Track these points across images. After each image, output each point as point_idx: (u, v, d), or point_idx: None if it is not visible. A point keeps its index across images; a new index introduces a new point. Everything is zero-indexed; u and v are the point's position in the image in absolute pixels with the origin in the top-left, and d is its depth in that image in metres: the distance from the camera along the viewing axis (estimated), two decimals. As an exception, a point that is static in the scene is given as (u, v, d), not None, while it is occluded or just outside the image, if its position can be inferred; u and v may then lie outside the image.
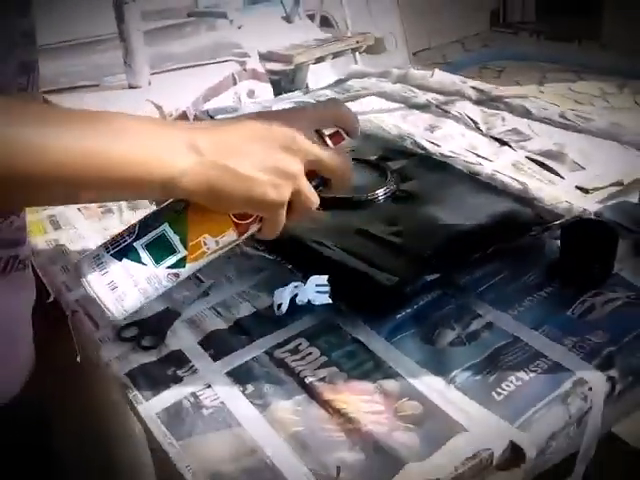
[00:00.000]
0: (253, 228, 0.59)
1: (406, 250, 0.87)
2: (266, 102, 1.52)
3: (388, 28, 3.42)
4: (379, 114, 1.33)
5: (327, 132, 0.60)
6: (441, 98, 1.39)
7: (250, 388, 0.69)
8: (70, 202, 0.59)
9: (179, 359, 0.74)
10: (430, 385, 0.67)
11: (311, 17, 3.05)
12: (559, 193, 0.99)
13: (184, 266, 0.56)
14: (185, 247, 0.56)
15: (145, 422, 0.66)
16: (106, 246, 0.56)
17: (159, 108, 1.70)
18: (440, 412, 0.64)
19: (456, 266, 0.84)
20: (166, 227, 0.55)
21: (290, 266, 0.87)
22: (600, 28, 4.01)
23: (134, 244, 0.55)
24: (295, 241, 0.91)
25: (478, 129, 1.23)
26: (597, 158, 1.08)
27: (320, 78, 2.71)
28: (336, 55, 2.65)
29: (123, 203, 1.07)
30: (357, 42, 2.70)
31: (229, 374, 0.71)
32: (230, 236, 0.57)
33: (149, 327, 0.78)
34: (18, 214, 0.67)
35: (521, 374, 0.67)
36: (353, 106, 1.39)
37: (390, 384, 0.68)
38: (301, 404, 0.66)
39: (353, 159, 1.07)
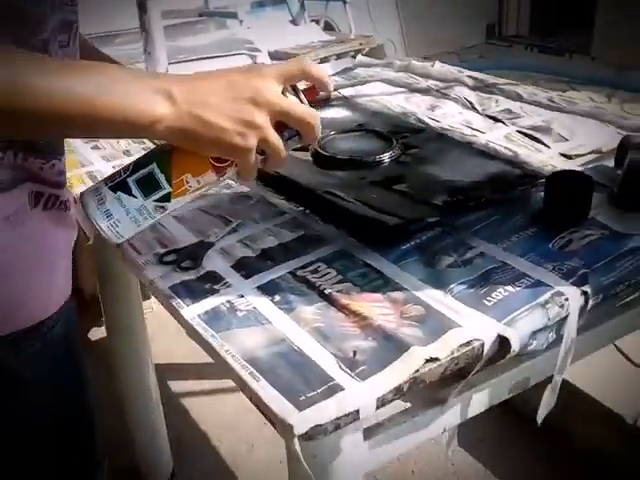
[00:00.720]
0: (230, 171, 0.68)
1: (411, 197, 0.99)
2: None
3: (388, 35, 3.57)
4: (384, 96, 1.46)
5: (301, 87, 0.67)
6: (440, 84, 1.51)
7: (277, 298, 0.80)
8: (69, 136, 0.70)
9: (215, 277, 0.85)
10: (430, 295, 0.79)
11: (316, 22, 3.19)
12: (545, 158, 1.12)
13: (169, 200, 0.67)
14: (170, 184, 0.66)
15: (188, 322, 0.78)
16: (105, 181, 0.67)
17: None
18: (439, 314, 0.76)
19: (454, 211, 0.96)
20: (154, 166, 0.65)
21: (307, 211, 0.99)
22: (590, 43, 4.18)
23: (127, 179, 0.65)
24: (310, 192, 1.03)
25: (474, 109, 1.36)
26: (580, 132, 1.21)
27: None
28: (339, 56, 2.79)
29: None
30: (360, 44, 2.83)
31: (259, 288, 0.82)
32: (209, 177, 0.68)
33: (186, 253, 0.90)
34: (60, 158, 0.78)
35: (508, 287, 0.79)
36: (361, 89, 1.52)
37: (397, 294, 0.79)
38: (321, 308, 0.78)
39: (363, 130, 1.22)
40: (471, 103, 1.38)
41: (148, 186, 0.65)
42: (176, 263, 0.88)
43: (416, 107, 1.39)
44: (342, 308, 0.78)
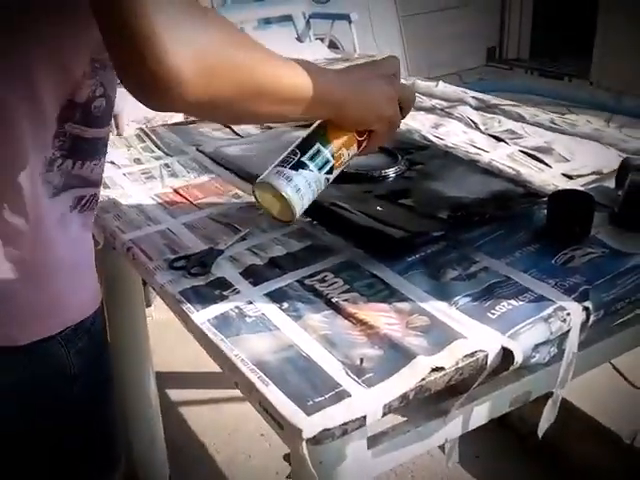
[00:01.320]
0: (365, 143, 0.83)
1: (416, 211, 1.02)
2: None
3: (390, 54, 3.61)
4: (389, 113, 1.49)
5: None
6: (444, 104, 1.54)
7: (285, 305, 0.82)
8: (287, 115, 0.77)
9: (224, 284, 0.87)
10: (436, 306, 0.81)
11: (321, 40, 3.24)
12: (547, 178, 1.14)
13: (332, 172, 0.80)
14: (333, 157, 0.79)
15: (198, 327, 0.79)
16: (281, 164, 0.78)
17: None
18: (444, 325, 0.77)
19: (459, 226, 0.98)
20: (319, 145, 0.78)
21: (315, 222, 1.01)
22: (589, 68, 4.24)
23: (302, 159, 0.77)
24: (318, 205, 1.05)
25: (477, 128, 1.39)
26: (581, 153, 1.24)
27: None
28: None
29: (165, 172, 1.21)
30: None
31: (267, 295, 0.84)
32: (354, 149, 0.82)
33: (196, 260, 0.92)
34: (105, 155, 0.82)
35: (512, 301, 0.81)
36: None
37: (403, 305, 0.81)
38: (328, 317, 0.80)
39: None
40: (474, 122, 1.41)
41: (319, 161, 0.78)
42: (186, 269, 0.90)
43: (420, 125, 1.41)
44: (349, 317, 0.79)
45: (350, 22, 3.04)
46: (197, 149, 1.31)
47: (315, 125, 0.81)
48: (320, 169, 0.78)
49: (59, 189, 0.75)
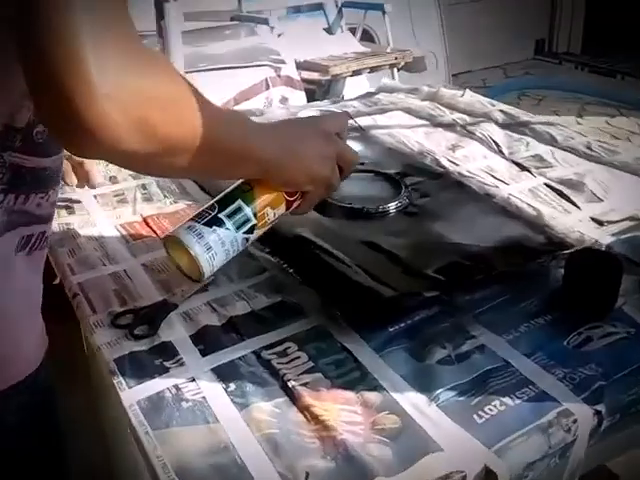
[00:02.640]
0: (295, 204, 0.76)
1: (409, 265, 0.87)
2: (293, 108, 1.53)
3: (430, 47, 3.42)
4: (403, 129, 1.33)
5: None
6: (467, 119, 1.38)
7: (232, 386, 0.69)
8: (215, 172, 0.71)
9: (169, 350, 0.74)
10: (412, 401, 0.66)
11: (353, 30, 3.06)
12: (573, 222, 0.98)
13: (253, 232, 0.72)
14: (255, 217, 0.72)
15: (125, 409, 0.67)
16: (195, 220, 0.70)
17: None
18: (417, 429, 0.63)
19: (457, 287, 0.83)
20: (241, 202, 0.71)
21: (292, 270, 0.87)
22: (645, 65, 3.97)
23: (219, 215, 0.70)
24: (299, 246, 0.92)
25: (500, 152, 1.22)
26: (616, 191, 1.07)
27: (356, 90, 2.72)
28: (373, 69, 2.66)
29: (139, 195, 1.09)
30: (395, 58, 2.70)
31: (214, 370, 0.71)
32: (281, 209, 0.75)
33: (144, 316, 0.79)
34: (57, 187, 0.71)
35: (506, 399, 0.66)
36: (379, 119, 1.40)
37: (372, 396, 0.67)
38: (281, 407, 0.66)
39: (371, 172, 1.10)
40: (497, 145, 1.24)
41: (238, 219, 0.71)
42: (130, 328, 0.77)
43: (436, 145, 1.25)
44: (304, 409, 0.66)
45: (384, 13, 2.86)
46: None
47: (239, 181, 0.74)
48: (238, 228, 0.71)
49: (0, 230, 0.64)
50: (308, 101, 2.18)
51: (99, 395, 1.31)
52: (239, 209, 0.71)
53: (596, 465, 0.74)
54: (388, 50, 2.81)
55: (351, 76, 2.59)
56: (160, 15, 1.72)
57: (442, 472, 0.58)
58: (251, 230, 0.72)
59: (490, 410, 0.65)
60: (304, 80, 2.22)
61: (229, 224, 0.70)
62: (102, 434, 1.40)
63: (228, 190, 0.73)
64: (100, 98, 0.47)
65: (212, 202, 0.72)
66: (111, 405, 1.26)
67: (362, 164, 1.17)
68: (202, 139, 0.57)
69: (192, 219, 0.70)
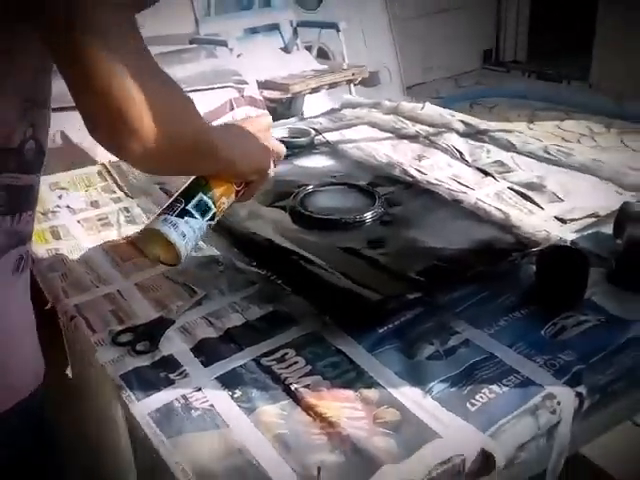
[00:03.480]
0: (241, 193, 0.86)
1: (390, 269, 0.92)
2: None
3: (383, 61, 3.50)
4: (370, 142, 1.39)
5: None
6: (430, 130, 1.44)
7: (238, 392, 0.72)
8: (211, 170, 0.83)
9: (171, 364, 0.77)
10: (408, 395, 0.71)
11: (309, 48, 3.13)
12: (538, 222, 1.04)
13: (214, 219, 0.83)
14: (215, 206, 0.82)
15: (137, 420, 0.70)
16: (166, 212, 0.80)
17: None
18: (416, 420, 0.68)
19: (437, 287, 0.88)
20: (202, 194, 0.81)
21: (280, 281, 0.91)
22: (589, 70, 4.12)
23: (187, 207, 0.80)
24: (284, 257, 0.96)
25: (464, 159, 1.29)
26: (576, 191, 1.14)
27: (315, 107, 2.78)
28: (331, 86, 2.72)
29: (122, 218, 1.12)
30: (352, 74, 2.77)
31: (218, 379, 0.74)
32: (232, 198, 0.85)
33: (143, 333, 0.82)
34: (34, 210, 0.72)
35: (494, 387, 0.71)
36: (346, 133, 1.45)
37: (370, 393, 0.72)
38: (286, 408, 0.70)
39: (345, 184, 1.15)
40: (460, 153, 1.31)
41: (203, 209, 0.81)
42: (131, 344, 0.80)
43: (403, 156, 1.31)
44: (308, 409, 0.70)
45: (338, 31, 2.93)
46: (161, 188, 1.21)
47: (193, 177, 0.85)
48: (204, 216, 0.82)
49: (3, 250, 0.66)
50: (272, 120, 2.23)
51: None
52: (202, 200, 0.81)
53: (583, 445, 0.79)
54: (344, 66, 2.88)
55: (310, 93, 2.65)
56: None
57: (443, 457, 0.63)
58: (213, 217, 0.83)
59: (481, 398, 0.70)
60: (266, 99, 2.27)
61: (197, 214, 0.81)
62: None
63: (188, 185, 0.84)
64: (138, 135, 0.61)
65: (177, 196, 0.82)
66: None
67: (334, 177, 1.23)
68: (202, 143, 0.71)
69: (164, 212, 0.81)
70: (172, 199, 0.83)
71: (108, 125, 0.62)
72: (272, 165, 0.88)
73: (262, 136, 0.87)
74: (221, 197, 0.83)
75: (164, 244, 0.79)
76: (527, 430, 0.67)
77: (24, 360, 0.72)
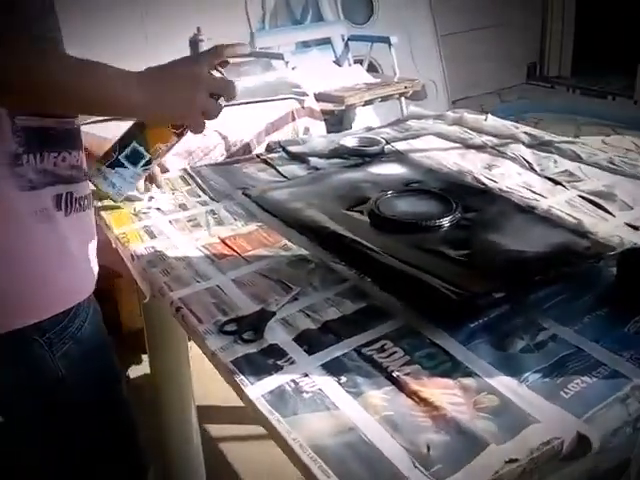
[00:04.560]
0: (185, 132, 0.90)
1: (474, 269, 0.97)
2: (334, 137, 1.63)
3: (430, 76, 3.56)
4: (438, 152, 1.44)
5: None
6: (496, 140, 1.49)
7: (344, 379, 0.78)
8: (73, 111, 0.86)
9: (278, 352, 0.83)
10: (504, 383, 0.76)
11: (359, 62, 3.20)
12: (611, 228, 1.08)
13: (150, 163, 0.92)
14: (148, 152, 0.90)
15: (253, 402, 0.75)
16: (102, 161, 0.91)
17: (224, 138, 1.83)
18: (514, 406, 0.72)
19: (520, 286, 0.93)
20: (134, 143, 0.90)
21: (369, 279, 0.96)
22: (633, 86, 4.13)
23: (119, 157, 0.90)
24: (372, 258, 1.01)
25: (532, 169, 1.33)
26: (644, 200, 1.18)
27: (367, 120, 2.84)
28: (383, 99, 2.78)
29: (211, 220, 1.18)
30: (405, 87, 2.83)
31: (323, 366, 0.80)
32: (172, 141, 0.91)
33: (248, 323, 0.88)
34: (69, 151, 0.87)
35: (585, 378, 0.76)
36: (414, 143, 1.51)
37: (468, 381, 0.76)
38: (389, 394, 0.75)
39: (420, 190, 1.21)
40: (529, 163, 1.36)
41: (135, 158, 0.90)
42: (238, 334, 0.86)
43: (472, 165, 1.37)
44: (412, 394, 0.75)
45: (390, 45, 3.00)
46: (243, 193, 1.28)
47: (132, 123, 0.91)
48: (136, 165, 0.90)
49: (35, 185, 0.82)
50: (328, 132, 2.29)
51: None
52: (134, 149, 0.89)
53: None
54: (396, 79, 2.94)
55: (363, 105, 2.72)
56: (194, 50, 1.83)
57: (543, 439, 0.68)
58: (148, 163, 0.91)
59: (574, 387, 0.75)
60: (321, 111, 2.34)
61: (128, 164, 0.90)
62: (162, 452, 1.48)
63: (124, 133, 0.90)
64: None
65: (114, 144, 0.91)
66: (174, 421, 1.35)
67: (408, 185, 1.28)
68: (72, 89, 0.76)
69: (100, 160, 0.91)
70: (111, 145, 0.92)
71: None
72: (211, 102, 0.85)
73: (196, 81, 0.84)
74: (156, 143, 0.90)
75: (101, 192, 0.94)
76: (619, 417, 0.71)
77: (61, 277, 0.87)
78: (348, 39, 3.16)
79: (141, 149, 0.89)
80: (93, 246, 0.94)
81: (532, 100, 4.26)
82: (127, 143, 0.89)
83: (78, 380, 0.91)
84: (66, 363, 0.89)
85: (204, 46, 1.82)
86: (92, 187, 0.95)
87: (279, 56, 2.64)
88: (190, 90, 0.84)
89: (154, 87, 0.83)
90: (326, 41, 3.13)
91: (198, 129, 0.89)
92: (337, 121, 2.72)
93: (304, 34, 3.11)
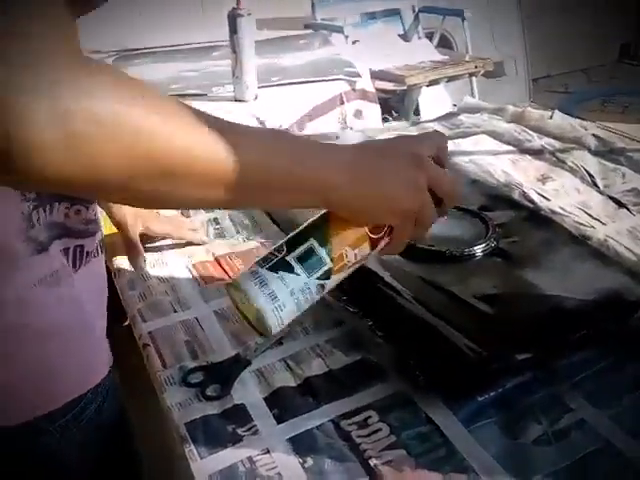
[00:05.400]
0: (382, 243, 0.63)
1: (498, 321, 0.80)
2: (369, 131, 1.47)
3: (509, 52, 3.29)
4: (488, 156, 1.26)
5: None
6: (557, 145, 1.29)
7: (310, 461, 0.64)
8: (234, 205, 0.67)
9: (242, 416, 0.70)
10: (506, 489, 0.60)
11: (430, 36, 2.98)
12: (678, 271, 0.89)
13: (329, 278, 0.61)
14: (331, 259, 0.60)
15: (197, 482, 0.63)
16: (259, 264, 0.60)
17: (262, 123, 1.69)
18: (514, 528, 0.57)
19: (553, 346, 0.76)
20: (313, 242, 0.60)
21: (370, 322, 0.81)
22: None
23: (286, 258, 0.59)
24: (380, 295, 0.86)
25: (595, 185, 1.14)
26: None
27: (431, 101, 2.64)
28: (451, 79, 2.57)
29: (211, 231, 1.06)
30: (475, 67, 2.60)
31: (290, 441, 0.67)
32: (365, 249, 0.62)
33: (216, 374, 0.75)
34: (86, 205, 0.72)
35: (611, 489, 0.59)
36: (462, 144, 1.33)
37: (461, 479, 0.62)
38: (362, 489, 0.61)
39: (457, 208, 1.03)
40: (591, 176, 1.16)
41: (310, 263, 0.60)
42: (202, 387, 0.73)
43: (524, 176, 1.18)
44: (388, 495, 0.61)
45: (463, 19, 2.76)
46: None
47: (317, 215, 0.62)
48: (311, 273, 0.59)
49: (45, 244, 0.67)
50: (383, 113, 2.12)
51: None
52: (311, 250, 0.60)
53: None
54: (467, 58, 2.71)
55: (427, 86, 2.52)
56: (233, 30, 1.69)
57: None
58: (327, 275, 0.60)
59: (594, 506, 0.59)
60: (379, 90, 2.16)
61: (299, 269, 0.59)
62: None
63: (300, 227, 0.63)
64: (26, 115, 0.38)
65: (281, 242, 0.62)
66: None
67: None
68: (199, 160, 0.47)
69: (257, 262, 0.61)
70: (275, 245, 0.62)
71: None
72: (428, 206, 0.61)
73: (418, 163, 0.60)
74: (344, 247, 0.61)
75: (250, 304, 0.59)
76: None
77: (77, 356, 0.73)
78: (419, 10, 2.94)
79: (322, 252, 0.60)
80: (104, 300, 0.79)
81: (622, 81, 3.91)
82: (302, 240, 0.61)
83: (93, 468, 0.79)
84: (80, 452, 0.75)
85: (243, 22, 1.67)
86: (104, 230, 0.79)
87: (338, 29, 2.46)
88: (413, 171, 0.60)
89: (367, 162, 0.60)
90: (395, 12, 2.92)
91: (402, 240, 0.64)
92: (399, 100, 2.53)
93: (370, 4, 2.88)
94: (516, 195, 1.11)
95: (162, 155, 0.45)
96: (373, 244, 0.63)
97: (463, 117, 1.48)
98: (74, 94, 0.40)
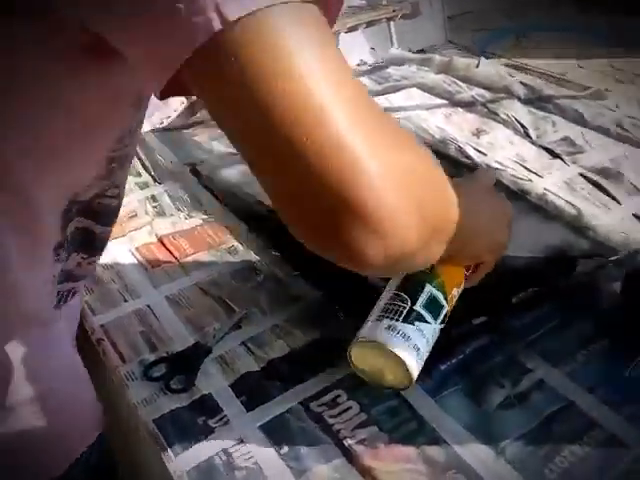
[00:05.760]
0: (469, 278, 0.66)
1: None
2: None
3: (423, -10, 3.26)
4: (421, 111, 1.26)
5: None
6: (487, 95, 1.31)
7: (285, 448, 0.64)
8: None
9: (210, 406, 0.69)
10: (478, 456, 0.62)
11: (345, -20, 2.91)
12: (615, 221, 0.92)
13: (445, 320, 0.62)
14: (447, 301, 0.62)
15: (175, 480, 0.63)
16: (389, 318, 0.60)
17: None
18: (488, 491, 0.60)
19: (504, 307, 0.78)
20: (430, 287, 0.61)
21: (327, 296, 0.82)
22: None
23: (415, 308, 0.60)
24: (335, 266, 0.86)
25: (527, 136, 1.16)
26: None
27: (350, 47, 2.60)
28: (369, 24, 2.53)
29: (150, 209, 1.02)
30: (393, 11, 2.57)
31: (262, 428, 0.67)
32: (461, 286, 0.65)
33: (178, 365, 0.74)
34: (100, 254, 0.69)
35: (575, 448, 0.62)
36: (393, 99, 1.32)
37: (434, 451, 0.63)
38: (339, 470, 0.62)
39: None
40: (524, 127, 1.18)
41: (433, 309, 0.61)
42: (165, 380, 0.72)
43: (458, 130, 1.19)
44: (365, 473, 0.62)
45: (378, -39, 2.72)
46: (191, 170, 1.11)
47: None
48: (436, 319, 0.61)
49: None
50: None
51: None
52: (432, 296, 0.61)
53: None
54: (384, 2, 2.68)
55: (346, 32, 2.48)
56: None
57: None
58: (445, 318, 0.62)
59: (561, 462, 0.61)
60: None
61: (429, 317, 0.60)
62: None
63: (407, 274, 0.62)
64: (375, 182, 0.38)
65: (395, 292, 0.61)
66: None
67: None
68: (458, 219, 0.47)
69: (383, 315, 0.60)
70: (387, 295, 0.62)
71: (328, 220, 0.40)
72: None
73: (503, 201, 0.66)
74: (452, 288, 0.63)
75: (390, 361, 0.59)
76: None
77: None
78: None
79: (440, 296, 0.61)
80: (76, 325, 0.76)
81: (539, 16, 3.95)
82: (418, 287, 0.61)
83: None
84: None
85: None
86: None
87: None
88: (502, 209, 0.66)
89: (476, 208, 0.59)
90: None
91: (483, 274, 0.68)
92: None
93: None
94: (453, 151, 1.12)
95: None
96: (466, 279, 0.65)
97: (391, 70, 1.47)
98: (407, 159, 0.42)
